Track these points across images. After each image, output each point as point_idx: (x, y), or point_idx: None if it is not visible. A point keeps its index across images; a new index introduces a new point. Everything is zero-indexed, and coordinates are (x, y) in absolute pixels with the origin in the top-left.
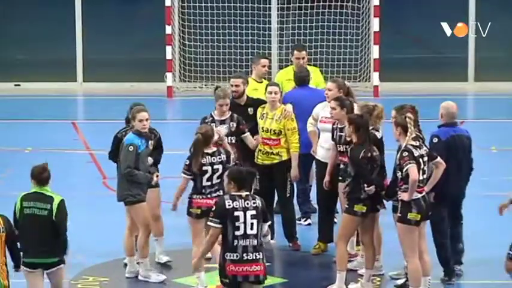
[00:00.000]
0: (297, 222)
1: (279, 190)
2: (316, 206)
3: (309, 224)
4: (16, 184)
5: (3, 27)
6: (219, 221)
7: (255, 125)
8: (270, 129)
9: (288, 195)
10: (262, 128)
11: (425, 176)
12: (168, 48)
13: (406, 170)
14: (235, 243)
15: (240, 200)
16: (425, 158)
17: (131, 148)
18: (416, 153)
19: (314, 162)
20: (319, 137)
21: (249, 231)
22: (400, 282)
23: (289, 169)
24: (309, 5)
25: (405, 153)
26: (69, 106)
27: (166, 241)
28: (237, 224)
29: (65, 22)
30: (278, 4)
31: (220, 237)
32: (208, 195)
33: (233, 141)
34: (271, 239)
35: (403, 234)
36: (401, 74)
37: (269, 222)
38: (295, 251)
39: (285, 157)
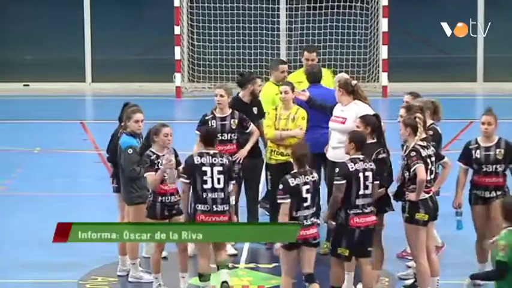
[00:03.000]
0: None
1: None
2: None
3: (318, 225)
4: (25, 184)
5: (12, 28)
6: (186, 176)
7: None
8: (287, 129)
9: None
10: (278, 129)
11: (432, 176)
12: (177, 49)
13: (414, 169)
14: (204, 196)
15: (207, 157)
16: (433, 158)
17: (130, 151)
18: (424, 153)
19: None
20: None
21: (216, 185)
22: (408, 282)
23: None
24: (318, 5)
25: (413, 153)
26: (77, 106)
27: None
28: (204, 177)
29: (73, 22)
30: (287, 4)
31: None
32: None
33: (234, 139)
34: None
35: (410, 234)
36: (410, 74)
37: (234, 181)
38: None
39: None
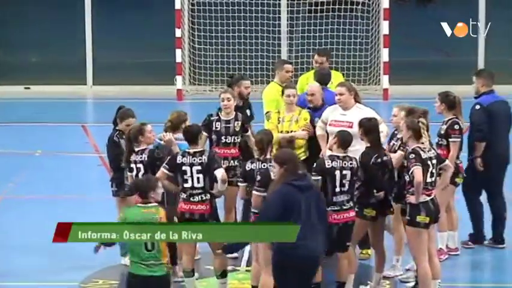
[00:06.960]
0: None
1: None
2: None
3: None
4: (26, 187)
5: (13, 31)
6: (168, 169)
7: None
8: (291, 131)
9: None
10: (281, 131)
11: (433, 179)
12: (178, 52)
13: (412, 172)
14: (186, 192)
15: (188, 157)
16: (434, 161)
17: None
18: (424, 155)
19: None
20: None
21: (196, 184)
22: (409, 285)
23: (309, 169)
24: (319, 8)
25: (412, 156)
26: (79, 109)
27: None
28: (185, 177)
29: (75, 25)
30: (288, 7)
31: None
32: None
33: (237, 142)
34: None
35: (412, 237)
36: (411, 77)
37: (221, 169)
38: None
39: (302, 156)
